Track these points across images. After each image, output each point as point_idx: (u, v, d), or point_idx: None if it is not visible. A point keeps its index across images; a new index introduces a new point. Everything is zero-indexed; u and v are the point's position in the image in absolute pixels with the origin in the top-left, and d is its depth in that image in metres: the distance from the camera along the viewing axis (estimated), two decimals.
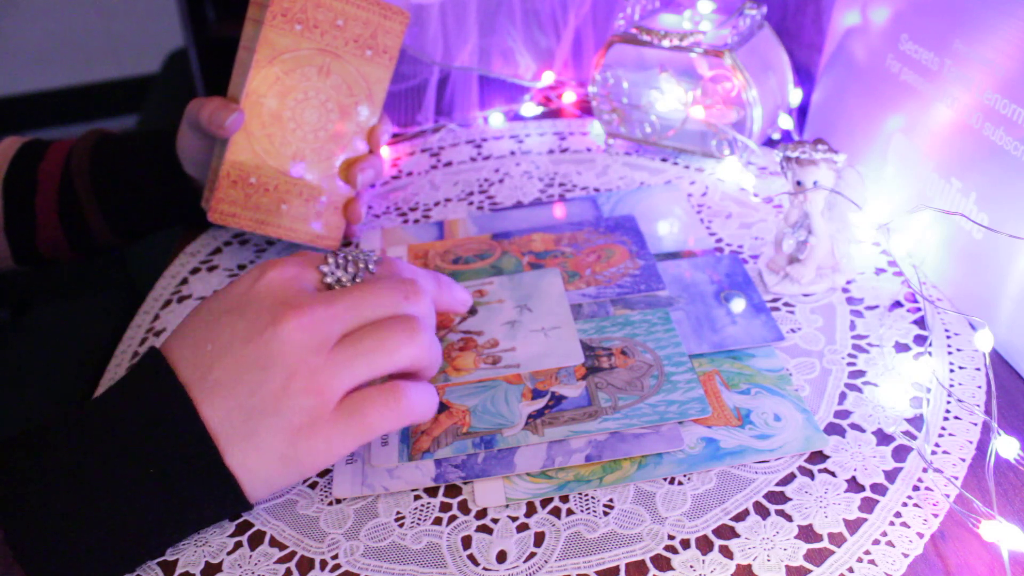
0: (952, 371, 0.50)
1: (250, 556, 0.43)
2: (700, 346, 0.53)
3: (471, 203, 0.71)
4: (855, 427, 0.47)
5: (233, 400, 0.41)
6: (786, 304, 0.57)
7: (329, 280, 0.45)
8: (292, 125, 0.62)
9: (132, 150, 0.67)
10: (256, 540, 0.44)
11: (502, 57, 0.85)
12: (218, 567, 0.43)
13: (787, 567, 0.40)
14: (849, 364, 0.51)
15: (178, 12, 1.47)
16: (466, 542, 0.43)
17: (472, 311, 0.57)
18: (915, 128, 0.60)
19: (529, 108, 0.85)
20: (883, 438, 0.46)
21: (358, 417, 0.42)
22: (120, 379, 0.44)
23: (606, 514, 0.43)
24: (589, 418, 0.48)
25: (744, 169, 0.70)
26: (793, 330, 0.54)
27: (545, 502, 0.45)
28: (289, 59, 0.60)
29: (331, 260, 0.45)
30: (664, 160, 0.75)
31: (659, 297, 0.57)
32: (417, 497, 0.46)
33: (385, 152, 0.78)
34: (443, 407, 0.50)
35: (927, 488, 0.43)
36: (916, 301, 0.56)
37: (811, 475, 0.45)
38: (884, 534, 0.41)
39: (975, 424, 0.47)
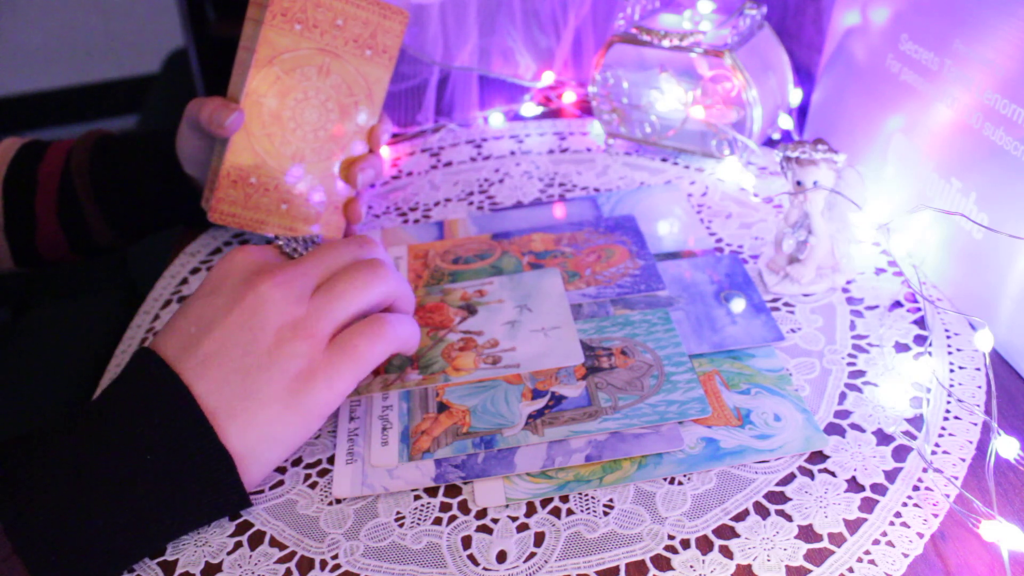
0: (952, 371, 0.50)
1: (250, 556, 0.43)
2: (700, 346, 0.53)
3: (471, 203, 0.71)
4: (855, 427, 0.47)
5: (228, 365, 0.43)
6: (786, 304, 0.57)
7: (287, 250, 0.50)
8: (292, 125, 0.62)
9: (132, 150, 0.67)
10: (256, 540, 0.44)
11: (502, 57, 0.85)
12: (218, 567, 0.43)
13: (787, 567, 0.40)
14: (849, 364, 0.51)
15: (178, 12, 1.47)
16: (466, 542, 0.43)
17: (472, 311, 0.57)
18: (915, 128, 0.60)
19: (529, 108, 0.85)
20: (883, 438, 0.46)
21: (350, 350, 0.45)
22: (115, 378, 0.44)
23: (606, 514, 0.43)
24: (589, 418, 0.48)
25: (744, 169, 0.70)
26: (793, 330, 0.54)
27: (545, 502, 0.45)
28: (289, 59, 0.60)
29: (281, 238, 0.50)
30: (664, 160, 0.75)
31: (659, 297, 0.57)
32: (417, 497, 0.46)
33: (385, 152, 0.78)
34: (443, 407, 0.50)
35: (927, 488, 0.43)
36: (916, 301, 0.56)
37: (811, 475, 0.45)
38: (884, 534, 0.41)
39: (975, 424, 0.47)
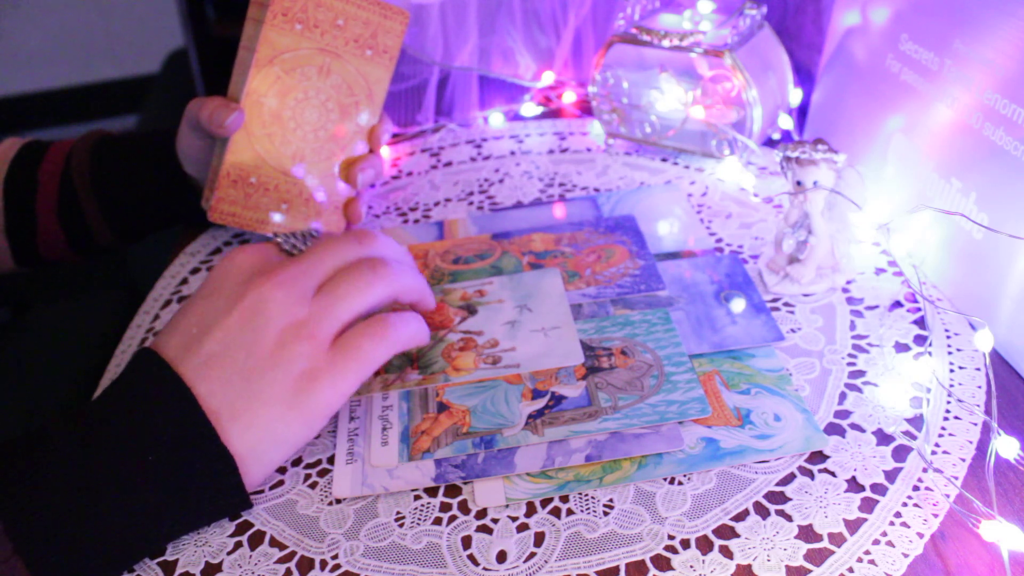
0: (952, 371, 0.50)
1: (250, 556, 0.43)
2: (700, 346, 0.53)
3: (471, 203, 0.71)
4: (855, 427, 0.47)
5: (230, 366, 0.43)
6: (786, 304, 0.57)
7: (286, 247, 0.49)
8: (292, 125, 0.62)
9: (132, 150, 0.67)
10: (256, 540, 0.44)
11: (502, 57, 0.85)
12: (218, 567, 0.43)
13: (787, 567, 0.40)
14: (849, 364, 0.51)
15: (178, 12, 1.47)
16: (466, 542, 0.43)
17: (472, 311, 0.57)
18: (915, 128, 0.60)
19: (529, 108, 0.85)
20: (883, 438, 0.46)
21: (353, 351, 0.45)
22: (116, 378, 0.44)
23: (606, 514, 0.43)
24: (589, 418, 0.48)
25: (744, 169, 0.70)
26: (793, 330, 0.54)
27: (545, 502, 0.45)
28: (289, 59, 0.60)
29: (279, 234, 0.49)
30: (664, 160, 0.75)
31: (659, 297, 0.57)
32: (417, 497, 0.46)
33: (385, 152, 0.78)
34: (443, 407, 0.50)
35: (927, 488, 0.43)
36: (916, 301, 0.56)
37: (811, 475, 0.45)
38: (884, 534, 0.41)
39: (975, 424, 0.47)
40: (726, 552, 0.41)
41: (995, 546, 0.40)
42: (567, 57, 0.87)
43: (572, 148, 0.78)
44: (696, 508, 0.43)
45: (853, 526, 0.42)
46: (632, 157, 0.76)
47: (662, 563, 0.41)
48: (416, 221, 0.70)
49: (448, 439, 0.48)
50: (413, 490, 0.46)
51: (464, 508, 0.45)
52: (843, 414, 0.48)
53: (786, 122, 0.74)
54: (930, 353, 0.51)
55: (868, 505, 0.43)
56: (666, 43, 0.70)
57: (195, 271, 0.66)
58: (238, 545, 0.44)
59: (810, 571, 0.40)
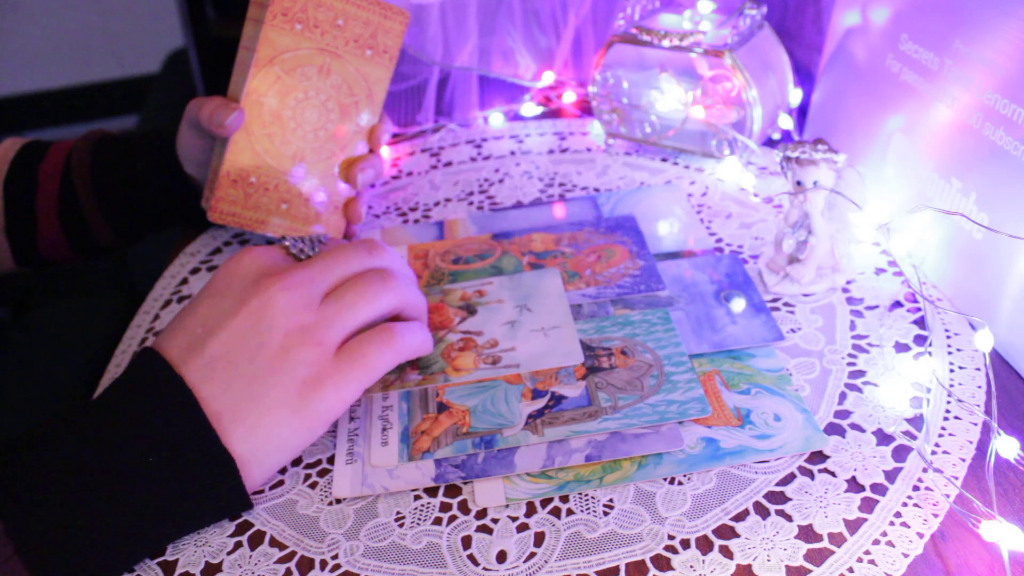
0: (952, 371, 0.50)
1: (250, 556, 0.43)
2: (700, 346, 0.53)
3: (471, 203, 0.71)
4: (855, 427, 0.47)
5: (234, 370, 0.43)
6: (786, 304, 0.57)
7: (293, 251, 0.49)
8: (292, 125, 0.62)
9: (132, 150, 0.67)
10: (256, 540, 0.44)
11: (502, 57, 0.85)
12: (218, 567, 0.43)
13: (787, 567, 0.40)
14: (849, 364, 0.51)
15: (178, 12, 1.47)
16: (466, 542, 0.43)
17: (472, 311, 0.57)
18: (915, 128, 0.60)
19: (529, 108, 0.85)
20: (883, 438, 0.46)
21: (359, 359, 0.45)
22: (117, 378, 0.44)
23: (606, 514, 0.43)
24: (589, 418, 0.48)
25: (744, 169, 0.70)
26: (793, 330, 0.54)
27: (545, 502, 0.44)
28: (289, 59, 0.60)
29: (287, 237, 0.49)
30: (664, 160, 0.75)
31: (659, 297, 0.57)
32: (417, 497, 0.46)
33: (385, 152, 0.78)
34: (443, 407, 0.50)
35: (927, 488, 0.43)
36: (916, 301, 0.56)
37: (811, 475, 0.45)
38: (884, 534, 0.41)
39: (975, 424, 0.47)
40: (726, 552, 0.41)
41: (995, 546, 0.40)
42: (567, 57, 0.87)
43: (572, 148, 0.78)
44: (696, 508, 0.43)
45: (853, 526, 0.42)
46: (632, 157, 0.76)
47: (662, 563, 0.41)
48: (416, 221, 0.70)
49: (448, 439, 0.48)
50: (413, 490, 0.46)
51: (464, 508, 0.45)
52: (843, 414, 0.48)
53: (786, 122, 0.74)
54: (930, 353, 0.51)
55: (868, 505, 0.43)
56: (666, 43, 0.70)
57: (195, 271, 0.66)
58: (238, 545, 0.44)
59: (810, 571, 0.40)
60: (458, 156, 0.79)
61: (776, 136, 0.76)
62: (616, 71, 0.74)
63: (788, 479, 0.44)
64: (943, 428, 0.47)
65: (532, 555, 0.42)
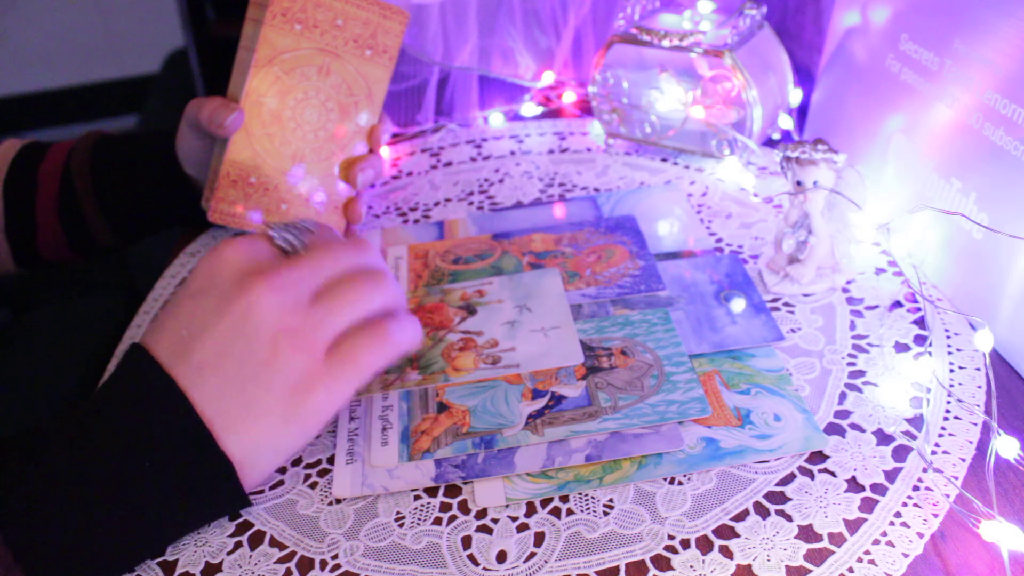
0: (952, 371, 0.50)
1: (250, 556, 0.43)
2: (700, 346, 0.53)
3: (471, 203, 0.71)
4: (855, 427, 0.47)
5: (223, 376, 0.42)
6: (786, 304, 0.57)
7: (279, 243, 0.46)
8: (292, 125, 0.62)
9: (132, 150, 0.67)
10: (256, 540, 0.44)
11: (502, 57, 0.85)
12: (218, 567, 0.43)
13: (787, 567, 0.40)
14: (849, 364, 0.51)
15: (178, 12, 1.47)
16: (466, 542, 0.43)
17: (472, 311, 0.57)
18: (915, 128, 0.60)
19: (529, 108, 0.85)
20: (883, 438, 0.46)
21: (351, 360, 0.44)
22: (108, 378, 0.44)
23: (606, 514, 0.43)
24: (589, 418, 0.48)
25: (744, 169, 0.70)
26: (793, 330, 0.54)
27: (545, 502, 0.44)
28: (289, 59, 0.60)
29: (273, 226, 0.47)
30: (664, 160, 0.75)
31: (659, 297, 0.57)
32: (417, 497, 0.46)
33: (385, 152, 0.78)
34: (443, 407, 0.50)
35: (927, 488, 0.43)
36: (916, 301, 0.56)
37: (811, 475, 0.45)
38: (884, 534, 0.41)
39: (975, 424, 0.47)
40: (726, 552, 0.41)
41: (995, 546, 0.40)
42: (567, 57, 0.87)
43: (572, 148, 0.78)
44: (696, 508, 0.43)
45: (853, 526, 0.42)
46: (632, 157, 0.76)
47: (662, 563, 0.41)
48: (416, 221, 0.70)
49: (448, 439, 0.48)
50: (413, 490, 0.46)
51: (464, 508, 0.45)
52: (843, 414, 0.48)
53: (786, 122, 0.74)
54: (930, 353, 0.51)
55: (868, 505, 0.43)
56: (666, 43, 0.70)
57: None
58: (238, 545, 0.44)
59: (810, 571, 0.40)
60: (458, 156, 0.79)
61: (776, 136, 0.76)
62: (616, 71, 0.74)
63: (788, 479, 0.44)
64: (943, 428, 0.47)
65: (532, 555, 0.42)
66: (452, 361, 0.53)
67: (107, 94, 2.48)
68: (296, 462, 0.48)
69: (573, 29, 0.86)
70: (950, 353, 0.52)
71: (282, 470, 0.48)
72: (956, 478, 0.44)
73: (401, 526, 0.44)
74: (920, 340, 0.53)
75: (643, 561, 0.41)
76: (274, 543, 0.44)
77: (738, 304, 0.56)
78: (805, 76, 0.78)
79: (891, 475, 0.44)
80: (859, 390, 0.50)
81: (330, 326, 0.44)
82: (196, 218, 0.66)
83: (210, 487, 0.42)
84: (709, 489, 0.44)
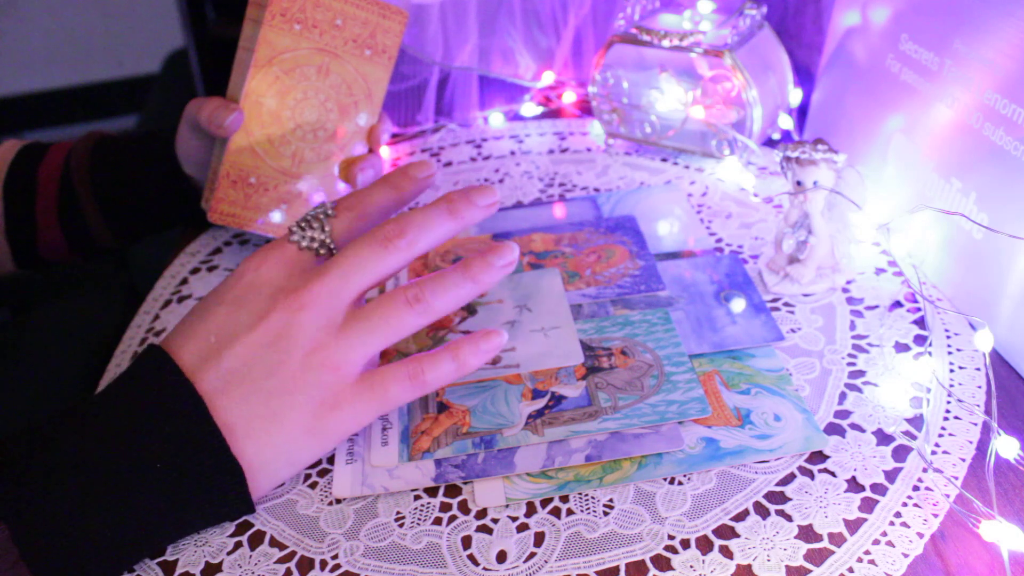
0: (952, 371, 0.50)
1: (250, 556, 0.43)
2: (700, 346, 0.53)
3: None
4: (855, 427, 0.47)
5: (250, 385, 0.42)
6: (786, 304, 0.57)
7: (304, 244, 0.46)
8: (291, 125, 0.62)
9: (131, 151, 0.67)
10: (256, 540, 0.44)
11: (502, 57, 0.85)
12: (218, 567, 0.43)
13: (787, 567, 0.40)
14: (849, 364, 0.51)
15: (178, 12, 1.47)
16: (466, 542, 0.43)
17: (472, 311, 0.57)
18: (915, 128, 0.60)
19: (529, 108, 0.85)
20: (883, 438, 0.46)
21: (381, 391, 0.44)
22: (120, 375, 0.44)
23: (606, 514, 0.43)
24: (589, 418, 0.48)
25: (744, 169, 0.70)
26: (793, 330, 0.54)
27: (545, 502, 0.44)
28: (288, 59, 0.60)
29: (295, 230, 0.46)
30: (664, 160, 0.75)
31: (659, 297, 0.57)
32: (417, 497, 0.46)
33: (385, 152, 0.78)
34: (443, 407, 0.50)
35: (927, 488, 0.43)
36: (916, 301, 0.56)
37: (811, 475, 0.45)
38: (884, 534, 0.41)
39: (975, 424, 0.47)
40: (726, 552, 0.41)
41: (995, 546, 0.40)
42: (567, 57, 0.87)
43: (572, 148, 0.78)
44: (696, 508, 0.43)
45: (853, 526, 0.42)
46: (632, 157, 0.76)
47: (662, 563, 0.41)
48: None
49: (448, 439, 0.48)
50: (413, 490, 0.46)
51: (464, 508, 0.45)
52: (843, 414, 0.48)
53: (786, 122, 0.74)
54: (930, 353, 0.51)
55: (868, 505, 0.43)
56: (666, 43, 0.70)
57: (195, 271, 0.66)
58: (238, 545, 0.44)
59: (810, 571, 0.40)
60: (458, 156, 0.79)
61: (776, 136, 0.76)
62: (616, 71, 0.74)
63: (788, 479, 0.44)
64: (943, 428, 0.47)
65: (532, 555, 0.42)
66: None
67: (107, 94, 2.48)
68: None
69: (573, 29, 0.86)
70: (950, 353, 0.52)
71: None
72: (956, 478, 0.44)
73: (401, 526, 0.44)
74: (920, 340, 0.53)
75: (643, 561, 0.41)
76: (274, 543, 0.44)
77: (738, 304, 0.56)
78: (805, 76, 0.78)
79: (891, 475, 0.44)
80: (859, 390, 0.50)
81: (361, 349, 0.44)
82: (196, 218, 0.66)
83: (219, 493, 0.42)
84: (709, 489, 0.44)
